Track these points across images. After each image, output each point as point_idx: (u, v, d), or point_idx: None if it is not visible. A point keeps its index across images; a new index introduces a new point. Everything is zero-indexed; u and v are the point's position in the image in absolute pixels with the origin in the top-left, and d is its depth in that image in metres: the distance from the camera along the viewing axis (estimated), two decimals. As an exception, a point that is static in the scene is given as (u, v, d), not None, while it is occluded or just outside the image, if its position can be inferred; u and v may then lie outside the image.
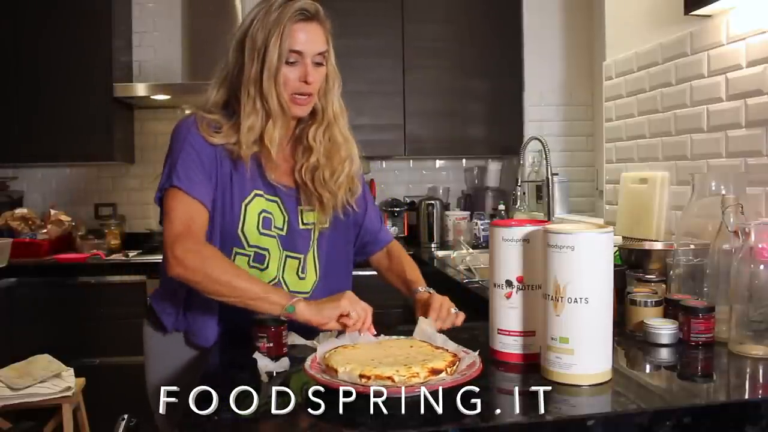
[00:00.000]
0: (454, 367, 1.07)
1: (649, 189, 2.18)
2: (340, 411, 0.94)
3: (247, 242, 1.44)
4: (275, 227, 1.46)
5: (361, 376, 1.00)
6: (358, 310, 1.28)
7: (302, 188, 1.50)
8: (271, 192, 1.47)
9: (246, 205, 1.43)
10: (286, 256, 1.48)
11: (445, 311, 1.41)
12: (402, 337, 1.27)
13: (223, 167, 1.42)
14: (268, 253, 1.46)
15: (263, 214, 1.45)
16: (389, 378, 0.99)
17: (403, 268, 1.64)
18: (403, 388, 0.97)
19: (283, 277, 1.49)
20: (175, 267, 1.31)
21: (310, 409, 0.97)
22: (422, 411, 0.94)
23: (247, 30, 1.41)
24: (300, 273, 1.52)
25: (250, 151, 1.41)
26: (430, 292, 1.51)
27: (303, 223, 1.50)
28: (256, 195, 1.45)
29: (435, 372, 1.03)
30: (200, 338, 1.46)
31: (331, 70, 1.47)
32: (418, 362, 1.05)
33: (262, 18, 1.39)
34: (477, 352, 1.12)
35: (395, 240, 1.74)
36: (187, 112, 1.46)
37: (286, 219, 1.48)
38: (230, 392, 1.00)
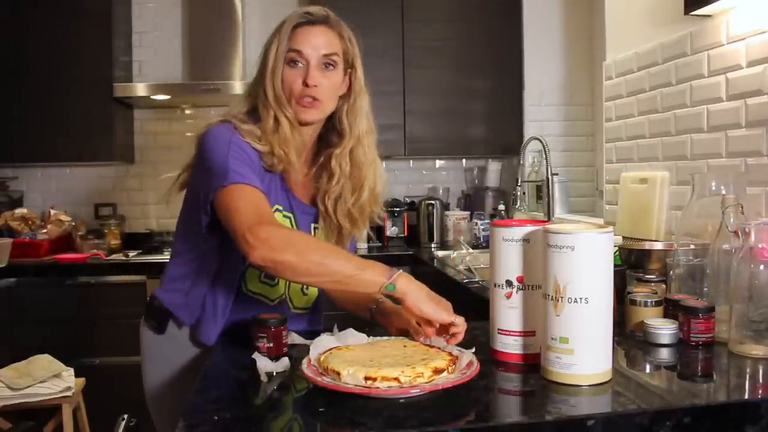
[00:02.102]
0: (454, 365, 1.07)
1: (649, 189, 2.18)
2: (340, 411, 0.95)
3: None
4: None
5: (367, 378, 1.00)
6: (461, 321, 1.19)
7: (323, 215, 1.49)
8: (288, 208, 1.45)
9: None
10: None
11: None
12: (392, 337, 1.27)
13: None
14: None
15: None
16: (395, 379, 0.99)
17: None
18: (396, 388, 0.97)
19: (288, 294, 1.50)
20: (260, 249, 1.18)
21: (309, 409, 0.97)
22: (422, 411, 0.95)
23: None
24: (304, 290, 1.52)
25: (284, 158, 1.39)
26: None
27: None
28: (276, 210, 1.43)
29: (438, 371, 1.03)
30: (203, 335, 1.44)
31: (357, 85, 1.45)
32: (418, 362, 1.05)
33: (275, 28, 1.42)
34: (472, 350, 1.12)
35: None
36: (216, 120, 1.41)
37: None
38: (230, 392, 1.00)
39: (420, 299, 1.18)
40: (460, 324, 1.19)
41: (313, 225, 1.50)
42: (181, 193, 1.50)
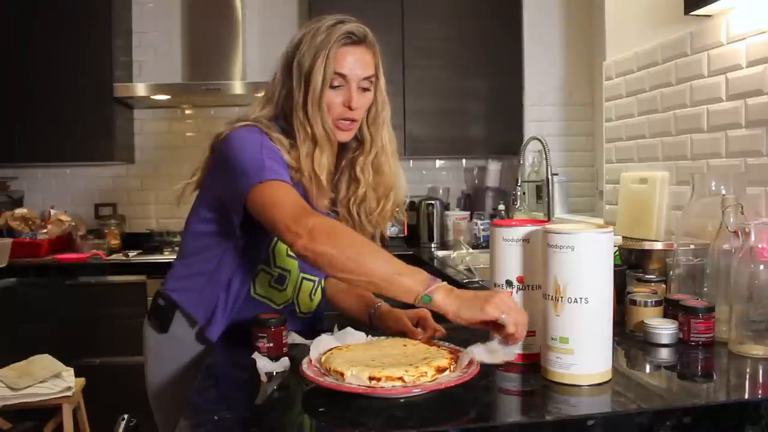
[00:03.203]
0: (455, 363, 1.07)
1: (649, 189, 2.18)
2: (341, 411, 0.95)
3: (275, 262, 1.44)
4: None
5: (371, 378, 1.00)
6: (515, 317, 1.06)
7: (345, 220, 1.47)
8: None
9: None
10: (302, 279, 1.49)
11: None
12: (391, 336, 1.27)
13: None
14: (289, 274, 1.46)
15: None
16: (400, 378, 0.99)
17: None
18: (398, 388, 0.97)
19: (297, 299, 1.50)
20: (304, 238, 1.16)
21: (310, 410, 0.97)
22: (422, 411, 0.95)
23: (295, 52, 1.39)
24: (312, 295, 1.53)
25: (308, 176, 1.37)
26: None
27: None
28: None
29: (440, 370, 1.03)
30: (208, 332, 1.43)
31: (380, 97, 1.44)
32: (421, 361, 1.06)
33: (310, 41, 1.37)
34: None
35: None
36: (239, 123, 1.38)
37: None
38: (230, 392, 1.00)
39: (458, 311, 1.09)
40: (508, 322, 1.06)
41: None
42: (193, 193, 1.49)
